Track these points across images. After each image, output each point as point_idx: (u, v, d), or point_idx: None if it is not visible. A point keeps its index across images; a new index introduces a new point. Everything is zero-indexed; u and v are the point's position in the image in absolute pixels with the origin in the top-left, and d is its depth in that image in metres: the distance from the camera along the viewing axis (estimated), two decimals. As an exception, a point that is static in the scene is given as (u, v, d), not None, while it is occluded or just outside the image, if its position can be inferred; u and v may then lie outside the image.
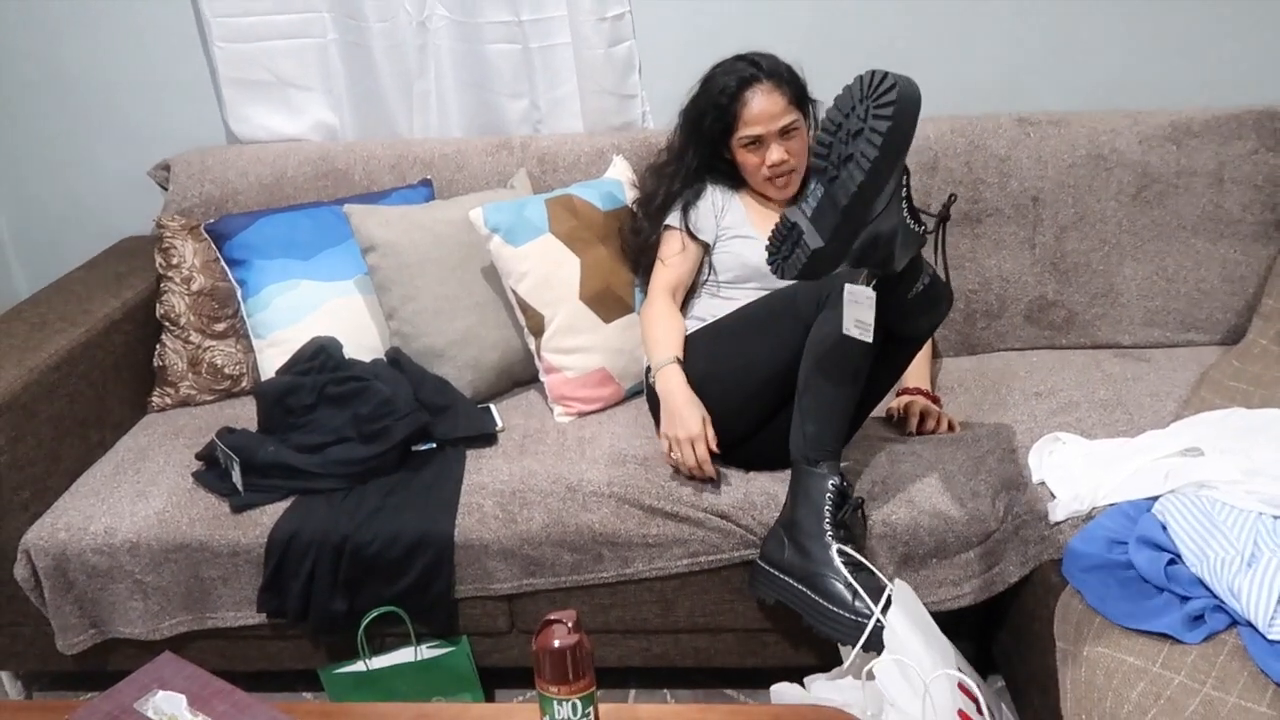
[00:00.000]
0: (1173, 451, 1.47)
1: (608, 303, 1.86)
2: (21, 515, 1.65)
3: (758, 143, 1.75)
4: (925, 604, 1.47)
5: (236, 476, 1.65)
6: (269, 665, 1.73)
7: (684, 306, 1.88)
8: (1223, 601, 1.22)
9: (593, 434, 1.76)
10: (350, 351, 1.88)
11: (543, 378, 1.86)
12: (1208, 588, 1.24)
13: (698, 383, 1.63)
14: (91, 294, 1.96)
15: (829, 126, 1.33)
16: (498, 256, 1.82)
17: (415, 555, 1.57)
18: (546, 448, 1.72)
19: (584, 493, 1.60)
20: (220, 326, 1.98)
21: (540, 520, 1.58)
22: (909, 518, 1.53)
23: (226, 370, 1.98)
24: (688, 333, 1.76)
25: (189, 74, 2.22)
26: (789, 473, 1.53)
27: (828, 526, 1.44)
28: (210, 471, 1.70)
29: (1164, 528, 1.33)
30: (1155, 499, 1.40)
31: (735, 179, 1.85)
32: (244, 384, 1.99)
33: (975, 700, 1.28)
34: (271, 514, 1.62)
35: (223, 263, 1.97)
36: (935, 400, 1.78)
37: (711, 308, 1.82)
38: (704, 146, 1.81)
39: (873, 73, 1.27)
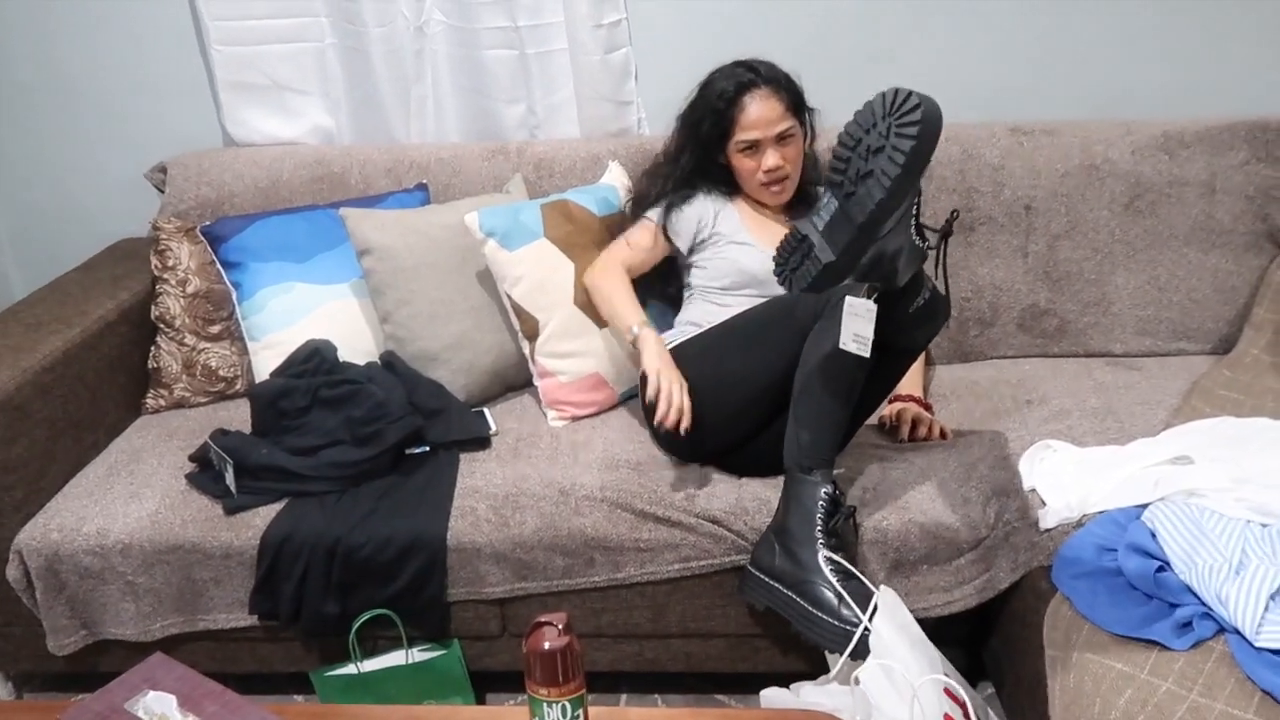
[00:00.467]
0: (1163, 459, 1.48)
1: (602, 308, 1.86)
2: (14, 516, 1.65)
3: (754, 148, 1.76)
4: (916, 610, 1.47)
5: (230, 478, 1.65)
6: (260, 667, 1.73)
7: (677, 311, 1.89)
8: (1210, 609, 1.22)
9: (586, 438, 1.76)
10: (345, 355, 1.88)
11: (537, 382, 1.86)
12: (1196, 595, 1.24)
13: (693, 388, 1.63)
14: (87, 295, 1.96)
15: (847, 141, 1.32)
16: (493, 261, 1.82)
17: (408, 558, 1.58)
18: (540, 452, 1.73)
19: (576, 497, 1.60)
20: (215, 329, 1.98)
21: (533, 524, 1.59)
22: (900, 524, 1.54)
23: (221, 372, 1.98)
24: (684, 338, 1.77)
25: (186, 77, 2.23)
26: (781, 478, 1.54)
27: (819, 534, 1.44)
28: (204, 473, 1.71)
29: (1153, 535, 1.34)
30: (1145, 506, 1.40)
31: (730, 185, 1.85)
32: (238, 386, 1.99)
33: (962, 705, 1.29)
34: (264, 516, 1.62)
35: (218, 265, 1.98)
36: (927, 407, 1.79)
37: (706, 313, 1.82)
38: (700, 150, 1.82)
39: (896, 90, 1.26)
